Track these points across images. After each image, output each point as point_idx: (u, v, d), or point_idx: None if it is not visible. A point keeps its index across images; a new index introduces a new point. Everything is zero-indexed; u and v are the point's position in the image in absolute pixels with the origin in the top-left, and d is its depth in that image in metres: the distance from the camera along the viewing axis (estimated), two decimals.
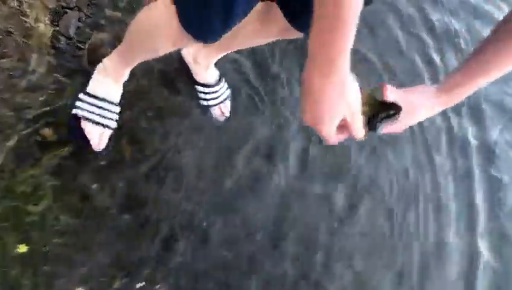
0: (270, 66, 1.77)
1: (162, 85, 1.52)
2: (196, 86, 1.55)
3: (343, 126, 0.71)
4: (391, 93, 0.76)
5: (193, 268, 1.42)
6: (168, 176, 1.45)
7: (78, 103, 1.29)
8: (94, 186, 1.32)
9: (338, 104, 0.66)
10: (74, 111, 1.28)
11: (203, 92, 1.55)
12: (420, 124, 1.94)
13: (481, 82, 0.80)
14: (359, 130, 0.72)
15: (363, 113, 0.72)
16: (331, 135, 0.70)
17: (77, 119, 1.29)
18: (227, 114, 1.60)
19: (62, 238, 1.25)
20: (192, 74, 1.54)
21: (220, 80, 1.57)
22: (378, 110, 0.74)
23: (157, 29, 1.04)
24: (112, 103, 1.31)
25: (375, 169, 1.84)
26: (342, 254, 1.67)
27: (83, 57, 1.38)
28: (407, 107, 0.77)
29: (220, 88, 1.57)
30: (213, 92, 1.55)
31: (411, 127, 1.91)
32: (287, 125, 1.71)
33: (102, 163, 1.34)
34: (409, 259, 1.75)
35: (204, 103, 1.56)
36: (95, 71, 1.30)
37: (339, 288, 1.60)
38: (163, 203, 1.41)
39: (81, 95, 1.29)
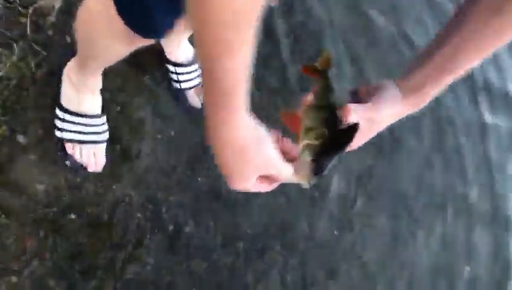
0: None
1: (126, 62, 1.28)
2: (167, 65, 1.33)
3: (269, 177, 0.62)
4: (354, 114, 0.64)
5: (155, 280, 1.20)
6: (127, 169, 1.22)
7: (57, 123, 1.12)
8: (32, 179, 1.09)
9: (242, 169, 0.58)
10: (56, 133, 1.12)
11: (175, 72, 1.34)
12: None
13: (450, 77, 0.69)
14: (290, 180, 0.62)
15: (308, 147, 0.60)
16: (249, 190, 0.62)
17: (61, 141, 1.13)
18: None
19: None
20: (164, 52, 1.32)
21: (195, 58, 1.34)
22: (326, 145, 0.60)
23: (99, 30, 0.86)
24: (94, 116, 1.14)
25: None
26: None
27: (25, 24, 1.15)
28: (369, 125, 0.67)
29: (196, 68, 1.34)
30: (186, 73, 1.34)
31: None
32: (276, 118, 1.47)
33: (43, 153, 1.11)
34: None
35: (177, 85, 1.35)
36: (62, 78, 1.12)
37: None
38: (119, 202, 1.19)
39: (58, 112, 1.12)
